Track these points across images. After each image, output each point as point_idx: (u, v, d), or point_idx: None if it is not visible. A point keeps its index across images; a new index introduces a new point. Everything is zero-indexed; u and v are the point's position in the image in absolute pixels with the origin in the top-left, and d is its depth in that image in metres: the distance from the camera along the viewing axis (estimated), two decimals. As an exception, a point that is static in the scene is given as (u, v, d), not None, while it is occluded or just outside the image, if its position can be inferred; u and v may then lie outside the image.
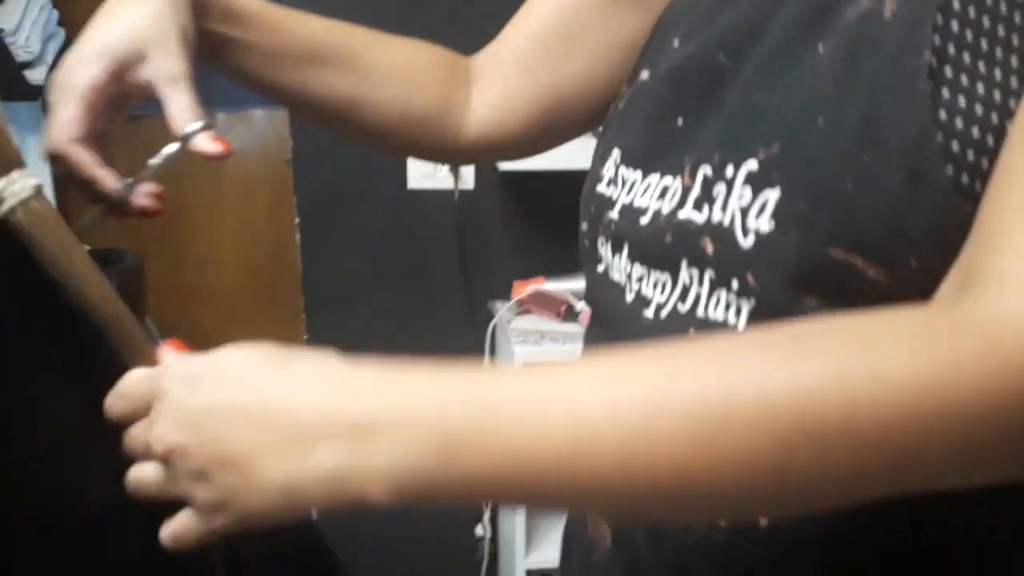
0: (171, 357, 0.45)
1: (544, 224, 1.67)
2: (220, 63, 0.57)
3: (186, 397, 0.40)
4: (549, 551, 1.54)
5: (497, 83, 0.65)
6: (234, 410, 0.39)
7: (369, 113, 0.62)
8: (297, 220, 1.69)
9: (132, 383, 0.44)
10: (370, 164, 1.62)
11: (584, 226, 0.58)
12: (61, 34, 1.97)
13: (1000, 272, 0.33)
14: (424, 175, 1.63)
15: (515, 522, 1.49)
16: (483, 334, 1.65)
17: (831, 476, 0.32)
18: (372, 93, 0.62)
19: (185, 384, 0.41)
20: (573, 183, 1.72)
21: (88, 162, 0.50)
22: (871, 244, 0.39)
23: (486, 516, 1.74)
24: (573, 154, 1.44)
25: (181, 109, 0.49)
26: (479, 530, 1.76)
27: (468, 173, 1.65)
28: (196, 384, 0.40)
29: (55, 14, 1.97)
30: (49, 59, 1.89)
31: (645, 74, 0.55)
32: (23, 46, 1.88)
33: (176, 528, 0.41)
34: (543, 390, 0.34)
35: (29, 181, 0.40)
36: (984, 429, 0.31)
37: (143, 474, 0.42)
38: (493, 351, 1.67)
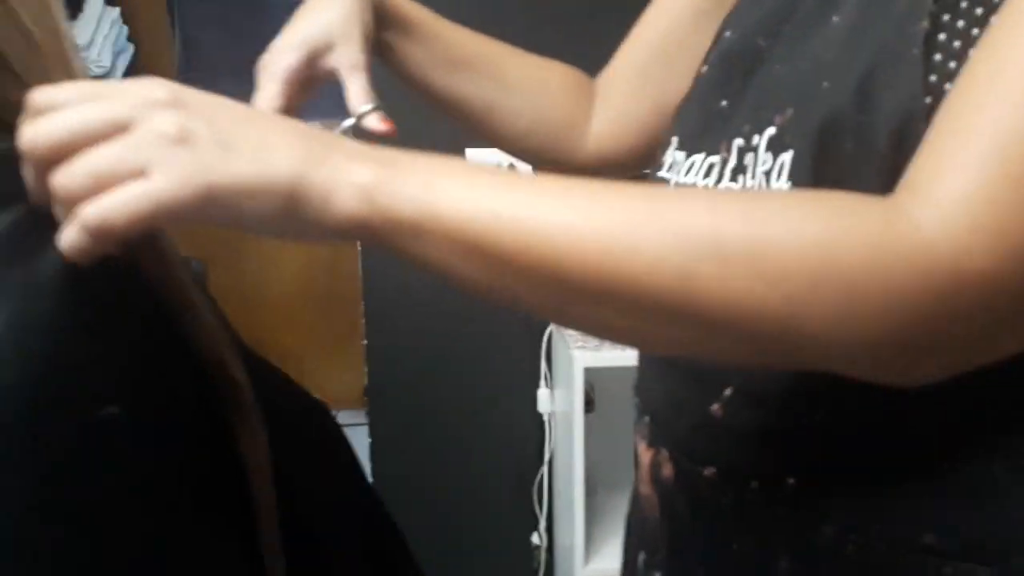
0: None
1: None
2: (384, 60, 0.68)
3: (174, 87, 0.36)
4: (607, 560, 1.52)
5: (611, 103, 0.73)
6: (237, 106, 0.37)
7: (503, 117, 0.71)
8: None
9: (84, 84, 0.36)
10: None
11: None
12: (130, 49, 2.04)
13: (919, 176, 0.37)
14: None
15: (574, 530, 1.48)
16: (540, 338, 1.65)
17: (730, 298, 0.36)
18: (508, 99, 0.71)
19: (163, 82, 0.36)
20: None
21: None
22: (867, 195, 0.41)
23: (542, 525, 1.73)
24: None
25: (358, 92, 0.59)
26: (535, 539, 1.75)
27: (526, 179, 1.65)
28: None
29: (125, 29, 2.03)
30: (119, 73, 1.95)
31: (704, 68, 0.60)
32: (95, 60, 1.95)
33: (129, 195, 0.33)
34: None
35: None
36: (862, 298, 0.35)
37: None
38: (550, 356, 1.67)
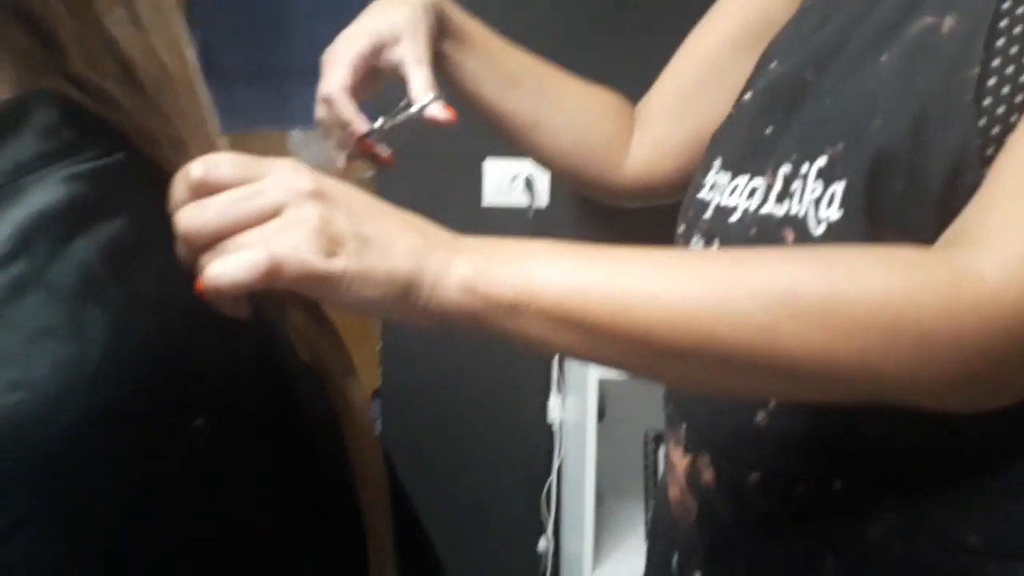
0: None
1: (619, 242, 1.68)
2: (438, 68, 0.69)
3: (315, 174, 0.39)
4: (616, 567, 1.53)
5: (650, 130, 0.75)
6: (366, 199, 0.41)
7: (547, 134, 0.73)
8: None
9: (233, 156, 0.39)
10: (446, 180, 1.66)
11: (680, 228, 0.64)
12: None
13: (981, 230, 0.40)
14: (499, 192, 1.66)
15: (583, 536, 1.49)
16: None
17: (809, 352, 0.39)
18: (553, 117, 0.73)
19: (306, 172, 0.39)
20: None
21: (348, 107, 0.64)
22: (919, 231, 0.44)
23: (549, 530, 1.74)
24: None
25: (422, 82, 0.63)
26: (542, 544, 1.77)
27: (543, 191, 1.67)
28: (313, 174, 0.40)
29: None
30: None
31: (748, 95, 0.61)
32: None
33: (288, 254, 0.36)
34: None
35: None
36: (936, 347, 0.38)
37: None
38: (562, 365, 1.68)
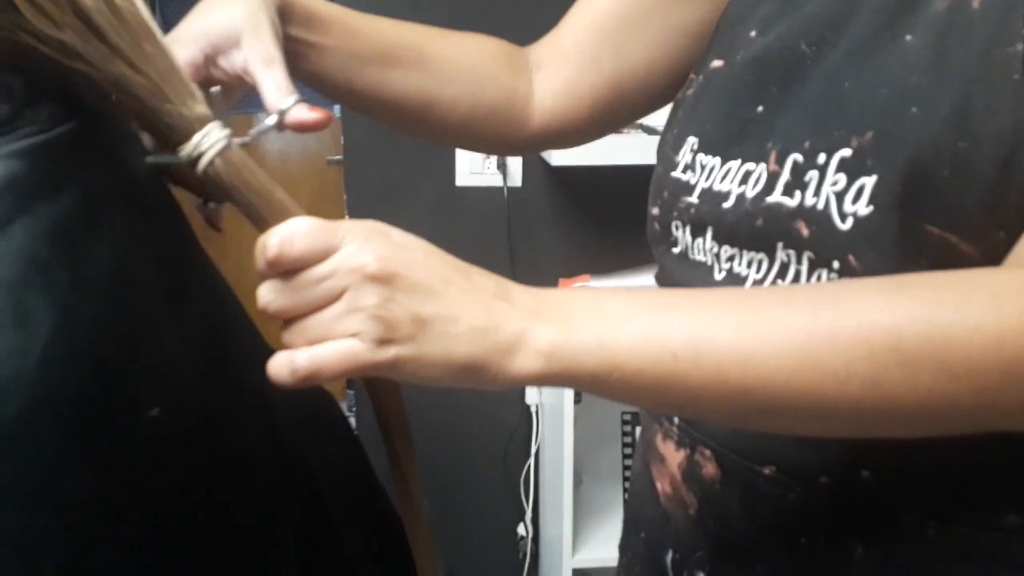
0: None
1: (592, 221, 1.67)
2: (298, 69, 0.59)
3: (384, 239, 0.39)
4: (595, 550, 1.53)
5: (560, 73, 0.67)
6: (451, 261, 0.41)
7: (441, 110, 0.64)
8: (347, 218, 1.71)
9: (308, 227, 0.39)
10: (418, 162, 1.63)
11: (655, 210, 0.59)
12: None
13: None
14: (472, 172, 1.64)
15: (562, 522, 1.48)
16: (529, 332, 1.65)
17: (918, 398, 0.36)
18: (443, 90, 0.64)
19: (378, 232, 0.40)
20: (620, 178, 1.72)
21: None
22: (965, 223, 0.41)
23: (528, 516, 1.73)
24: (621, 149, 1.45)
25: (276, 87, 0.50)
26: (520, 529, 1.76)
27: (516, 170, 1.65)
28: (388, 235, 0.40)
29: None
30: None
31: (717, 63, 0.56)
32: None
33: (333, 353, 0.38)
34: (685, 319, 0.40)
35: (223, 132, 0.40)
36: None
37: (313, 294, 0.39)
38: (539, 349, 1.67)
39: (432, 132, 0.67)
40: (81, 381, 0.37)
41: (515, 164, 1.64)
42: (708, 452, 0.53)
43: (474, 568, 1.78)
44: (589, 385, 0.40)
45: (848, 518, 0.47)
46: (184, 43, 0.51)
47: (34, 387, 0.35)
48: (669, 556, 0.58)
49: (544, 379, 0.39)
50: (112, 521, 0.38)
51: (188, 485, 0.42)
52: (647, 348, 0.39)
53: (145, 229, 0.42)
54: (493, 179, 1.64)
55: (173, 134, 0.40)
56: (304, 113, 0.50)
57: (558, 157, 1.46)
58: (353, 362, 0.38)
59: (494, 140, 0.69)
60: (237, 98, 0.55)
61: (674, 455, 0.56)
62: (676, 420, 0.56)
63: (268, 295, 0.39)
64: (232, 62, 0.52)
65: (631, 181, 1.54)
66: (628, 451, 1.68)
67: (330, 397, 0.56)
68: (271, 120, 0.50)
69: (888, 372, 0.36)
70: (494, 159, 1.63)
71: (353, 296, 0.38)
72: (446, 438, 1.73)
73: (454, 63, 0.64)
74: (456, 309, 0.39)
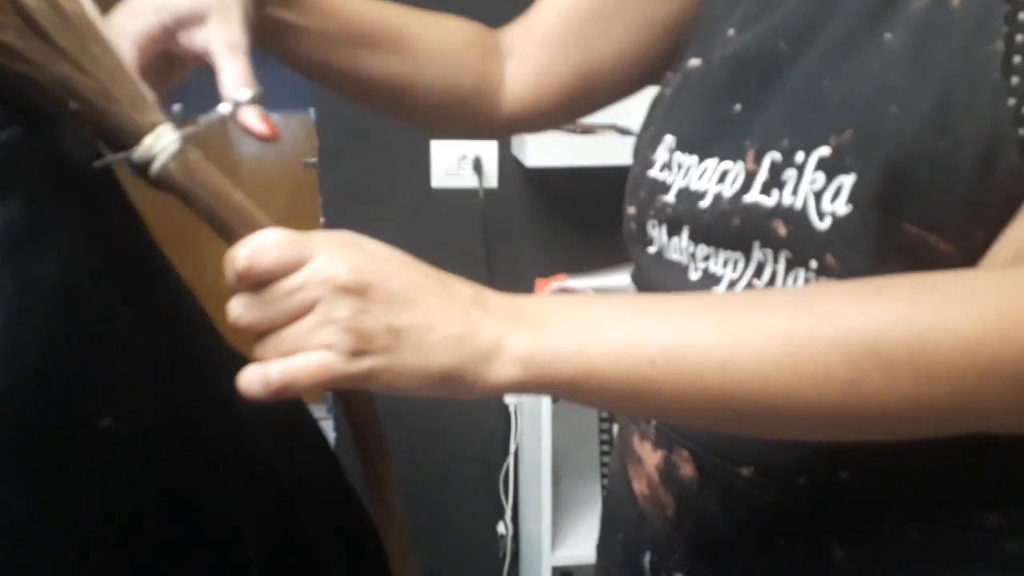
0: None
1: (568, 221, 1.68)
2: (274, 48, 0.58)
3: (357, 250, 0.39)
4: (575, 548, 1.53)
5: (530, 60, 0.67)
6: (427, 270, 0.40)
7: (415, 94, 0.64)
8: (322, 220, 1.70)
9: (278, 239, 0.38)
10: (394, 164, 1.63)
11: (632, 210, 0.59)
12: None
13: None
14: (448, 174, 1.64)
15: (541, 520, 1.49)
16: (506, 332, 1.65)
17: (897, 401, 0.36)
18: (418, 75, 0.64)
19: (350, 243, 0.39)
20: (595, 179, 1.73)
21: None
22: (944, 222, 0.41)
23: (508, 515, 1.74)
24: (596, 150, 1.46)
25: (236, 75, 0.48)
26: (500, 527, 1.76)
27: (492, 172, 1.65)
28: (361, 246, 0.39)
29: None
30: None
31: (696, 61, 0.56)
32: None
33: (306, 366, 0.38)
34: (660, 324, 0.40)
35: (175, 134, 0.39)
36: None
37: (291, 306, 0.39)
38: (516, 349, 1.67)
39: (406, 114, 0.68)
40: (26, 391, 0.35)
41: (491, 166, 1.65)
42: (685, 453, 0.52)
43: (455, 567, 1.78)
44: (567, 391, 0.39)
45: (827, 519, 0.47)
46: (143, 13, 0.49)
47: None
48: (647, 558, 0.57)
49: (522, 386, 0.39)
50: (59, 539, 0.36)
51: (144, 498, 0.40)
52: (625, 354, 0.38)
53: (98, 235, 0.40)
54: (469, 180, 1.64)
55: (123, 137, 0.38)
56: (252, 120, 0.47)
57: (533, 158, 1.46)
58: (327, 374, 0.37)
59: (466, 125, 0.69)
60: (190, 73, 0.53)
61: (651, 456, 0.56)
62: (653, 421, 0.56)
63: (238, 309, 0.39)
64: (193, 40, 0.49)
65: (606, 182, 1.55)
66: (606, 448, 1.69)
67: (299, 402, 0.54)
68: (224, 108, 0.46)
69: (866, 375, 0.36)
70: (469, 161, 1.63)
71: (325, 308, 0.37)
72: (425, 439, 1.73)
73: (429, 48, 0.64)
74: (432, 318, 0.38)
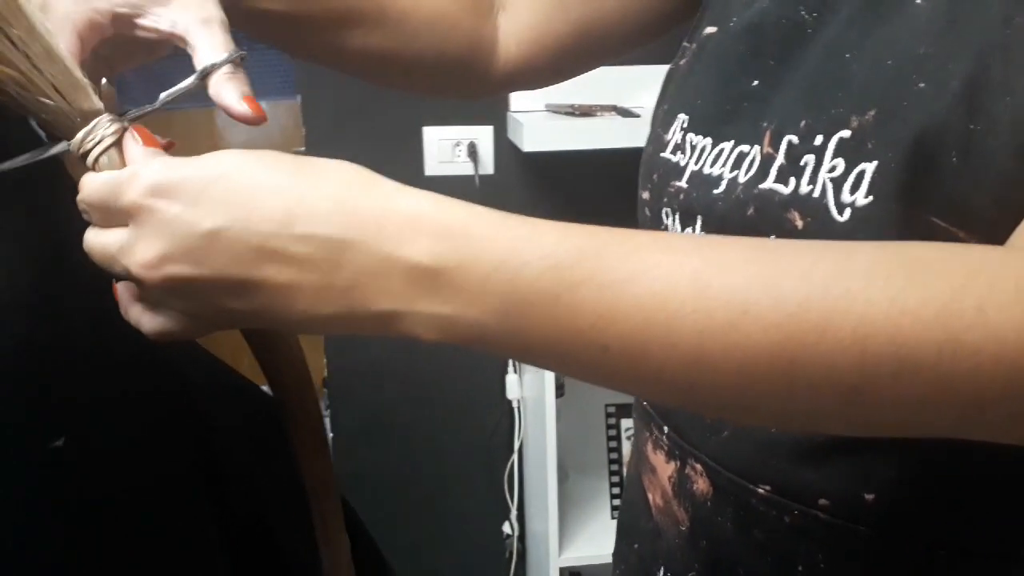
0: (142, 153, 0.38)
1: (568, 207, 1.62)
2: (253, 32, 0.55)
3: (179, 214, 0.34)
4: (582, 548, 1.50)
5: (525, 18, 0.64)
6: (254, 234, 0.33)
7: (404, 65, 0.61)
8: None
9: (97, 188, 0.36)
10: (385, 152, 1.57)
11: (645, 195, 0.55)
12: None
13: None
14: (441, 161, 1.58)
15: (547, 520, 1.44)
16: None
17: (905, 410, 0.31)
18: (406, 46, 0.60)
19: (172, 196, 0.34)
20: (594, 163, 1.67)
21: None
22: (974, 217, 0.36)
23: (513, 514, 1.69)
24: (595, 134, 1.40)
25: (211, 45, 0.42)
26: (506, 527, 1.72)
27: (487, 158, 1.59)
28: (189, 196, 0.34)
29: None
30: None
31: (711, 29, 0.52)
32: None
33: (168, 328, 0.37)
34: (629, 264, 0.32)
35: (110, 127, 0.37)
36: None
37: (123, 292, 0.38)
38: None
39: (395, 84, 0.65)
40: None
41: (486, 151, 1.59)
42: (699, 467, 0.49)
43: (461, 568, 1.74)
44: (497, 348, 0.34)
45: (849, 544, 0.43)
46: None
47: None
48: (661, 573, 0.55)
49: (445, 343, 0.35)
50: (8, 561, 0.35)
51: (99, 519, 0.38)
52: (571, 347, 0.33)
53: (47, 239, 0.39)
54: (464, 167, 1.58)
55: (56, 129, 0.36)
56: (230, 96, 0.41)
57: (531, 143, 1.41)
58: (184, 336, 0.36)
59: (458, 87, 0.67)
60: (163, 55, 0.48)
61: (664, 467, 0.53)
62: (666, 429, 0.52)
63: (86, 241, 0.37)
64: (159, 22, 0.44)
65: (605, 165, 1.49)
66: (613, 444, 1.64)
67: (269, 404, 0.51)
68: (188, 81, 0.41)
69: (877, 383, 0.31)
70: (464, 147, 1.57)
71: (153, 294, 0.36)
72: (426, 437, 1.68)
73: (416, 16, 0.60)
74: (286, 300, 0.34)
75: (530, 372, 1.58)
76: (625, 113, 1.45)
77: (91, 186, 0.37)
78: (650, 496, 0.55)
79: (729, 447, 0.47)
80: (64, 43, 0.40)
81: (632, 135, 1.36)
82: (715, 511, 0.48)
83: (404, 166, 1.58)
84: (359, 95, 1.52)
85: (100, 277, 0.41)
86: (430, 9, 0.61)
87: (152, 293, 0.36)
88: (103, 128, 0.37)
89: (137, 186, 0.35)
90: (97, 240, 0.37)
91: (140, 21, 0.44)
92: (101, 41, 0.44)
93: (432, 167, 1.58)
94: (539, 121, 1.42)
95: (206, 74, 0.41)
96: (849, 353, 0.30)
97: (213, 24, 0.43)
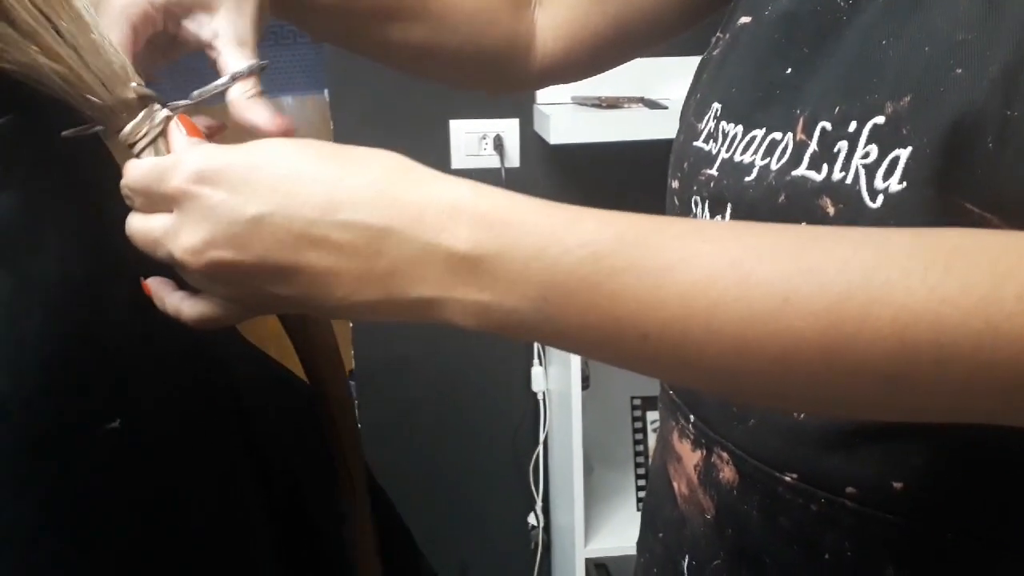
0: (186, 142, 0.39)
1: (594, 199, 1.61)
2: (301, 24, 0.57)
3: (223, 200, 0.35)
4: (609, 539, 1.50)
5: (563, 12, 0.65)
6: (297, 220, 0.34)
7: (443, 59, 0.62)
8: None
9: (143, 174, 0.37)
10: (411, 145, 1.56)
11: (675, 183, 0.55)
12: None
13: None
14: (468, 154, 1.58)
15: (573, 511, 1.44)
16: (532, 317, 1.61)
17: (945, 398, 0.31)
18: (447, 40, 0.61)
19: (216, 183, 0.35)
20: (620, 154, 1.66)
21: None
22: (1008, 202, 0.36)
23: (538, 505, 1.70)
24: (621, 125, 1.40)
25: (241, 57, 0.44)
26: (531, 519, 1.72)
27: (513, 150, 1.59)
28: (233, 183, 0.35)
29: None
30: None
31: (745, 19, 0.52)
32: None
33: (209, 313, 0.38)
34: (670, 252, 0.33)
35: (155, 120, 0.38)
36: None
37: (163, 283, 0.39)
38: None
39: (436, 76, 0.66)
40: (29, 395, 0.34)
41: (512, 144, 1.59)
42: (725, 455, 0.49)
43: (486, 560, 1.75)
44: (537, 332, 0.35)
45: (878, 534, 0.43)
46: None
47: None
48: (686, 561, 0.54)
49: (487, 328, 0.35)
50: (68, 547, 0.35)
51: (153, 502, 0.39)
52: (611, 335, 0.33)
53: (97, 227, 0.39)
54: (490, 160, 1.58)
55: (102, 121, 0.37)
56: (256, 112, 0.42)
57: (557, 135, 1.41)
58: (224, 322, 0.37)
59: (495, 81, 0.67)
60: (182, 55, 0.49)
61: (690, 455, 0.53)
62: (692, 418, 0.52)
63: (128, 227, 0.38)
64: (200, 27, 0.45)
65: (631, 157, 1.49)
66: (639, 436, 1.64)
67: (308, 393, 0.52)
68: (221, 82, 0.43)
69: (919, 370, 0.31)
70: (490, 140, 1.58)
71: (196, 280, 0.36)
72: (452, 429, 1.69)
73: (456, 10, 0.61)
74: (326, 285, 0.35)
75: (555, 364, 1.58)
76: (652, 105, 1.45)
77: (135, 172, 0.38)
78: (675, 485, 0.55)
79: (755, 435, 0.47)
80: (118, 34, 0.42)
81: (659, 127, 1.36)
82: (741, 499, 0.48)
83: (431, 159, 1.54)
84: (386, 90, 1.53)
85: (142, 263, 0.42)
86: (470, 4, 0.62)
87: (195, 278, 0.37)
88: (150, 119, 0.38)
89: (181, 172, 0.35)
90: (141, 225, 0.37)
91: (185, 22, 0.45)
92: (153, 34, 0.45)
93: (458, 160, 1.59)
94: (566, 113, 1.42)
95: (236, 78, 0.43)
96: (889, 342, 0.30)
97: (246, 48, 0.45)
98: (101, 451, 0.37)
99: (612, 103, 1.45)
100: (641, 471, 1.62)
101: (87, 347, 0.37)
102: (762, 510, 0.47)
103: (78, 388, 0.36)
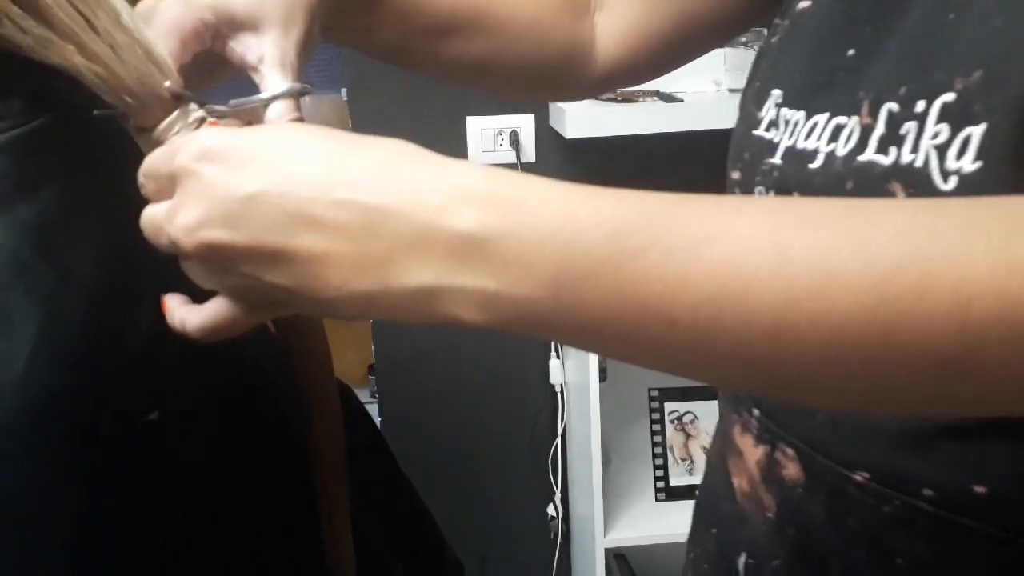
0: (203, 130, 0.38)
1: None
2: (351, 46, 0.56)
3: (221, 178, 0.34)
4: (628, 530, 1.51)
5: (624, 15, 0.63)
6: (292, 198, 0.32)
7: (503, 70, 0.61)
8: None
9: (154, 157, 0.37)
10: (428, 142, 1.57)
11: (735, 175, 0.53)
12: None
13: None
14: (484, 150, 1.60)
15: (592, 502, 1.46)
16: (550, 311, 1.62)
17: (1010, 383, 0.28)
18: (505, 51, 0.60)
19: (218, 161, 0.34)
20: (637, 148, 1.66)
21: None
22: None
23: (557, 496, 1.71)
24: (637, 119, 1.40)
25: (281, 80, 0.43)
26: (550, 509, 1.74)
27: (529, 145, 1.61)
28: (234, 161, 0.34)
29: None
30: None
31: (804, 3, 0.50)
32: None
33: (210, 319, 0.36)
34: (698, 227, 0.29)
35: (189, 121, 0.38)
36: None
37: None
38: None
39: (496, 88, 0.65)
40: (70, 387, 0.35)
41: (528, 139, 1.60)
42: (791, 451, 0.46)
43: (505, 550, 1.76)
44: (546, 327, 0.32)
45: (956, 540, 0.40)
46: (197, 7, 0.43)
47: (19, 396, 0.33)
48: (742, 560, 0.52)
49: (494, 326, 0.32)
50: (110, 537, 0.36)
51: (193, 494, 0.39)
52: (634, 323, 0.30)
53: (135, 222, 0.39)
54: (506, 155, 1.60)
55: (139, 119, 0.37)
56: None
57: (573, 130, 1.41)
58: (226, 331, 0.36)
59: (557, 89, 0.66)
60: (226, 77, 0.48)
61: (752, 451, 0.50)
62: (756, 412, 0.50)
63: (142, 221, 0.37)
64: (247, 49, 0.44)
65: (647, 150, 1.50)
66: (656, 428, 1.65)
67: (346, 388, 0.53)
68: (259, 97, 0.42)
69: (982, 351, 0.28)
70: (506, 136, 1.59)
71: (197, 268, 0.36)
72: (471, 422, 1.71)
73: (516, 20, 0.60)
74: (321, 273, 0.32)
75: (573, 357, 1.59)
76: (668, 98, 1.45)
77: (149, 157, 0.37)
78: (735, 481, 0.53)
79: (825, 431, 0.44)
80: (167, 46, 0.41)
81: (675, 120, 1.36)
82: (806, 498, 0.46)
83: (447, 155, 1.60)
84: (403, 88, 1.55)
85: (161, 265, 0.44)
86: (529, 14, 0.60)
87: (191, 267, 0.36)
88: (184, 117, 0.38)
89: (187, 150, 0.35)
90: (148, 212, 0.37)
91: (231, 44, 0.44)
92: (200, 51, 0.44)
93: (475, 156, 1.60)
94: (582, 108, 1.42)
95: (277, 97, 0.43)
96: (950, 318, 0.27)
97: (290, 71, 0.44)
98: (140, 442, 0.37)
99: (627, 97, 1.46)
100: (659, 462, 1.63)
101: (127, 340, 0.37)
102: (829, 510, 0.44)
103: (118, 380, 0.37)
